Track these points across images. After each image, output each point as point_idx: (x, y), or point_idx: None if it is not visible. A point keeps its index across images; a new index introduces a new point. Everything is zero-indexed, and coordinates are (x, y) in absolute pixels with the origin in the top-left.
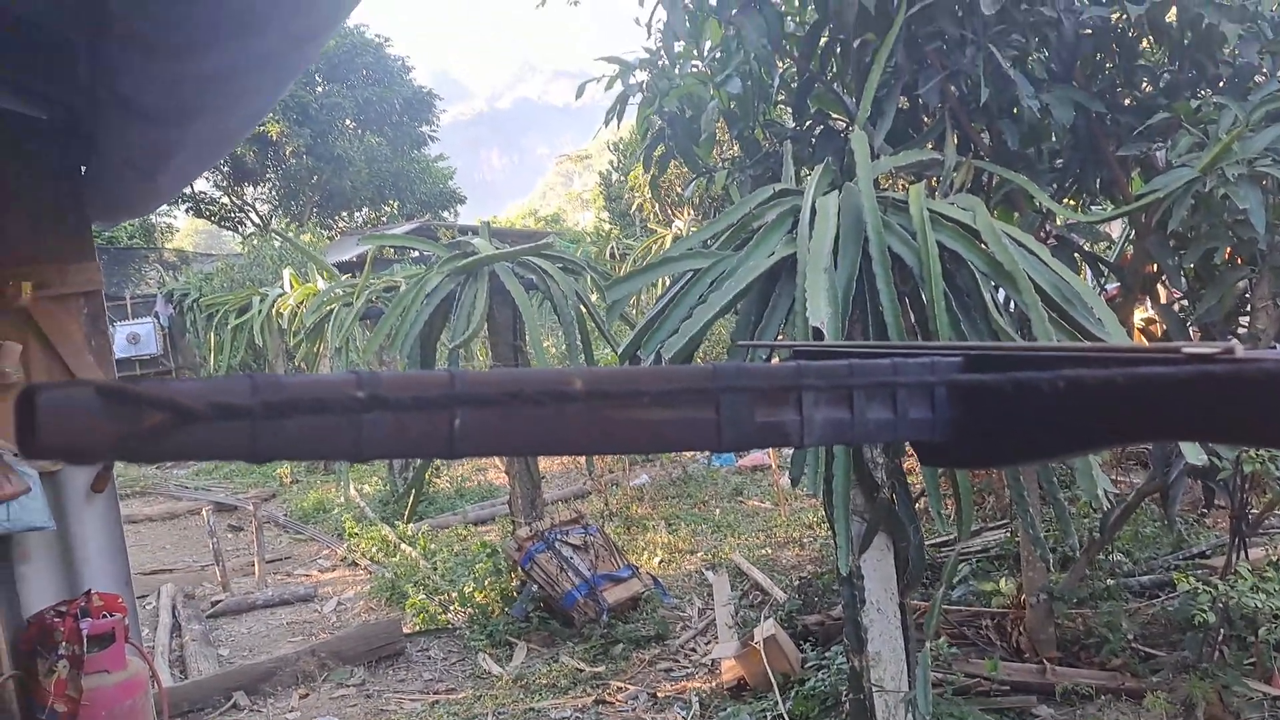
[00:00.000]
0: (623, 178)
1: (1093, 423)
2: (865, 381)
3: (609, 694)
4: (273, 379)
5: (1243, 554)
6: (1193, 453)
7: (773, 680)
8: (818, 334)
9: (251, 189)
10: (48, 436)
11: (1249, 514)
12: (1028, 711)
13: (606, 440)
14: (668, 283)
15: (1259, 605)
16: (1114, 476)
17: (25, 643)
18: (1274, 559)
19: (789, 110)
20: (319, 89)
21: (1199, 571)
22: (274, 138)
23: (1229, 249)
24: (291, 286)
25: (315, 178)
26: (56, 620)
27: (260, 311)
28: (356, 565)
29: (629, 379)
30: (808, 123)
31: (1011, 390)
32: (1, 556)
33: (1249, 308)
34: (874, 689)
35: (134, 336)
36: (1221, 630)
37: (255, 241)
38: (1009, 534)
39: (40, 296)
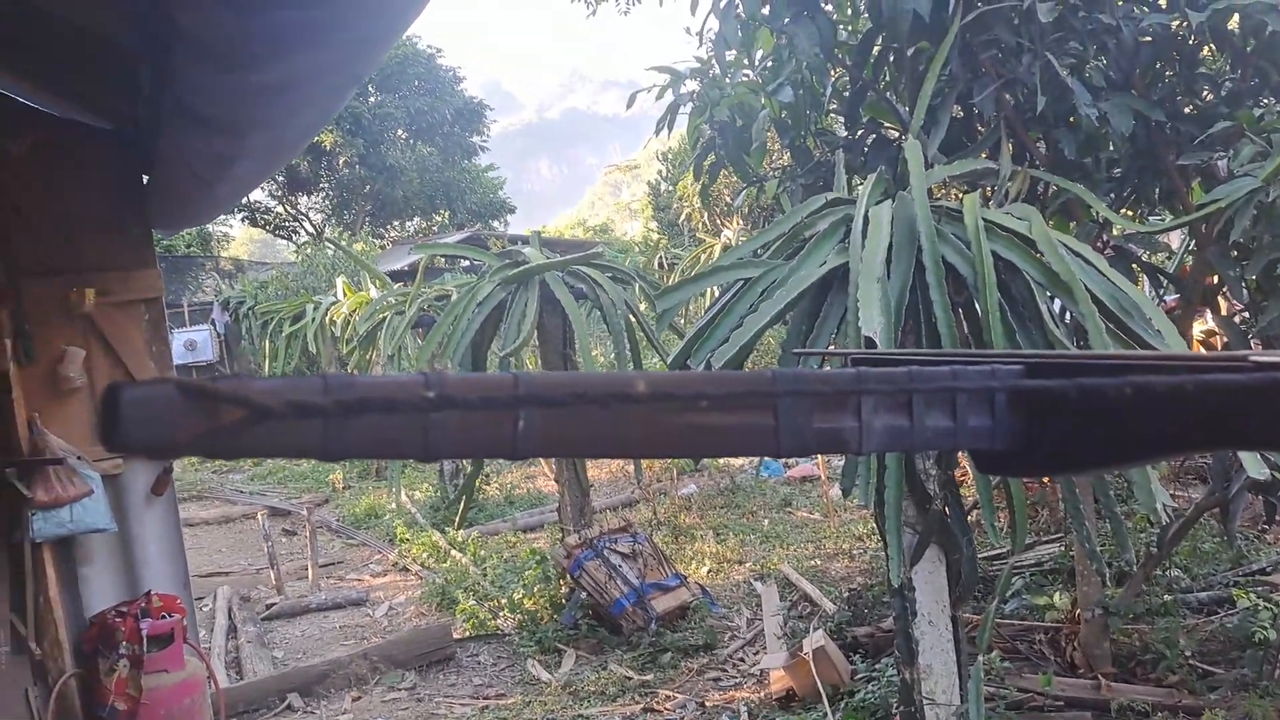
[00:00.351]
0: (671, 187)
1: (1159, 430)
2: (925, 388)
3: (657, 702)
4: (345, 378)
5: None
6: (1254, 467)
7: (822, 691)
8: (870, 344)
9: (305, 198)
10: (129, 431)
11: None
12: None
13: (666, 444)
14: (717, 292)
15: None
16: (1172, 491)
17: (87, 642)
18: None
19: (841, 119)
20: (372, 99)
21: (1259, 588)
22: (328, 148)
23: None
24: (344, 295)
25: (368, 187)
26: (117, 620)
27: (314, 319)
28: (407, 570)
29: (689, 383)
30: (860, 131)
31: (1076, 397)
32: (64, 557)
33: None
34: (925, 702)
35: (191, 343)
36: None
37: (309, 250)
38: (1063, 547)
39: (103, 303)
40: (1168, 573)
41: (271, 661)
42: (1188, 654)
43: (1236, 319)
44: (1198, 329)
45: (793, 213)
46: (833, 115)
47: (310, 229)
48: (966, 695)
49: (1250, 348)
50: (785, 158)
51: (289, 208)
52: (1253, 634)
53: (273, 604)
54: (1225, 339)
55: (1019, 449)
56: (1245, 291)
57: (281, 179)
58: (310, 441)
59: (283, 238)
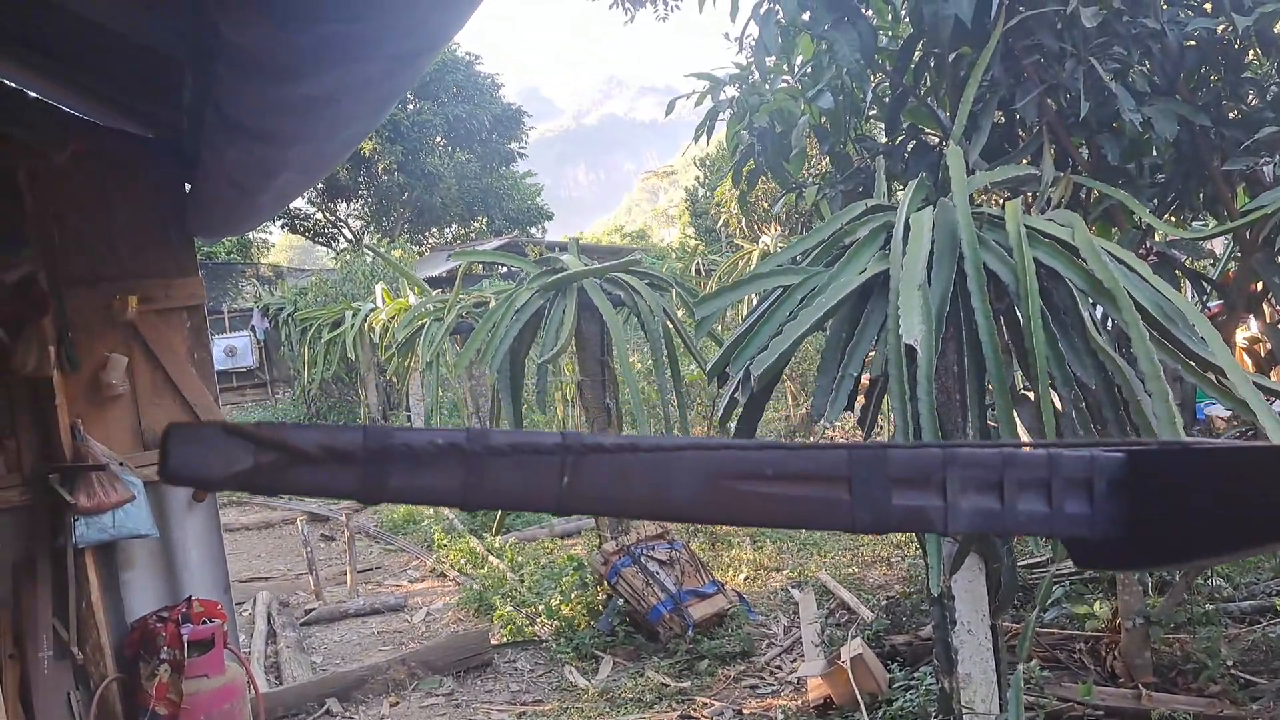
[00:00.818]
0: (709, 193)
1: (1266, 519)
2: (1019, 471)
3: (694, 709)
4: (383, 431)
5: None
6: None
7: (860, 700)
8: (911, 352)
9: (344, 205)
10: (178, 467)
11: None
12: None
13: (726, 509)
14: (755, 299)
15: None
16: None
17: (129, 646)
18: None
19: (881, 125)
20: (410, 106)
21: None
22: (366, 155)
23: None
24: (383, 301)
25: (406, 194)
26: (159, 625)
27: (353, 326)
28: (445, 576)
29: (762, 452)
30: (900, 138)
31: (1182, 487)
32: (106, 563)
33: None
34: (964, 711)
35: (231, 349)
36: None
37: (348, 257)
38: None
39: (145, 310)
40: (1210, 581)
41: (310, 666)
42: (1230, 663)
43: None
44: (1241, 336)
45: (833, 219)
46: (873, 121)
47: (349, 236)
48: (1006, 704)
49: None
50: (824, 164)
51: (328, 214)
52: None
53: (311, 609)
54: (1269, 345)
55: (1118, 539)
56: None
57: (321, 186)
58: (345, 486)
59: (322, 244)
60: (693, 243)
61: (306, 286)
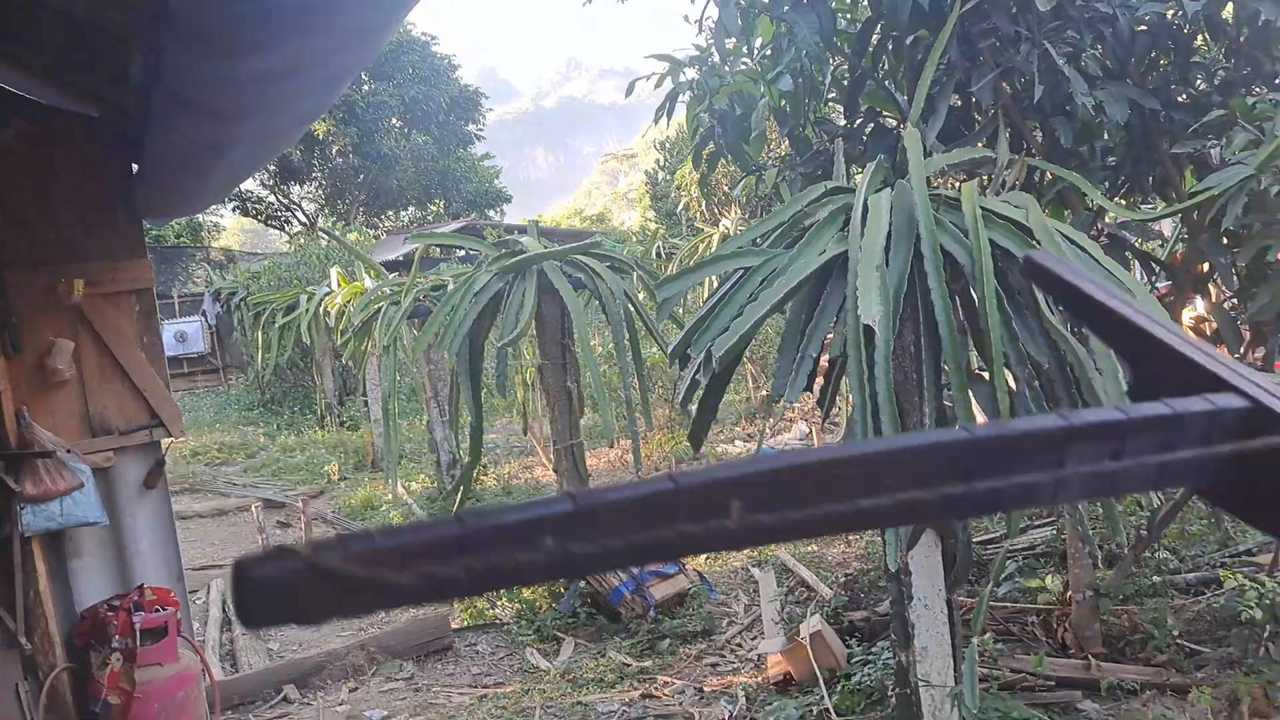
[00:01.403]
0: (669, 176)
1: None
2: (1136, 435)
3: (656, 688)
4: (483, 535)
5: None
6: None
7: (818, 675)
8: (869, 332)
9: (298, 187)
10: (261, 614)
11: None
12: (1073, 706)
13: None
14: (716, 282)
15: None
16: None
17: (79, 636)
18: None
19: (840, 108)
20: (365, 87)
21: (1246, 568)
22: (321, 136)
23: None
24: (339, 285)
25: (361, 176)
26: (110, 614)
27: (308, 310)
28: None
29: (872, 452)
30: (859, 120)
31: None
32: (54, 551)
33: None
34: (920, 684)
35: (181, 335)
36: (1267, 626)
37: (302, 240)
38: (1056, 531)
39: (92, 294)
40: (1157, 555)
41: (267, 654)
42: (1176, 634)
43: (1226, 305)
44: (1188, 315)
45: (792, 201)
46: (832, 104)
47: (303, 219)
48: (961, 677)
49: (1239, 333)
50: (784, 147)
51: (281, 197)
52: (1239, 613)
53: None
54: (1215, 325)
55: (1234, 490)
56: (1235, 278)
57: (273, 168)
58: (447, 598)
59: (275, 228)
60: (653, 226)
61: (260, 270)
